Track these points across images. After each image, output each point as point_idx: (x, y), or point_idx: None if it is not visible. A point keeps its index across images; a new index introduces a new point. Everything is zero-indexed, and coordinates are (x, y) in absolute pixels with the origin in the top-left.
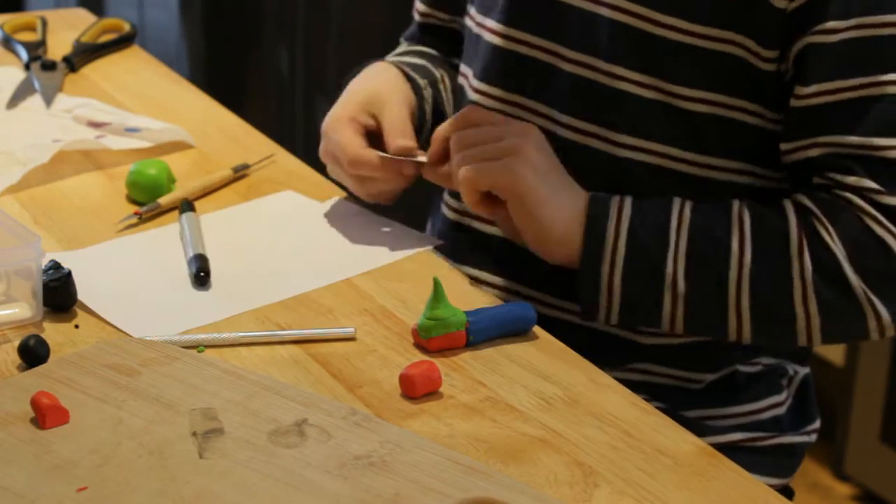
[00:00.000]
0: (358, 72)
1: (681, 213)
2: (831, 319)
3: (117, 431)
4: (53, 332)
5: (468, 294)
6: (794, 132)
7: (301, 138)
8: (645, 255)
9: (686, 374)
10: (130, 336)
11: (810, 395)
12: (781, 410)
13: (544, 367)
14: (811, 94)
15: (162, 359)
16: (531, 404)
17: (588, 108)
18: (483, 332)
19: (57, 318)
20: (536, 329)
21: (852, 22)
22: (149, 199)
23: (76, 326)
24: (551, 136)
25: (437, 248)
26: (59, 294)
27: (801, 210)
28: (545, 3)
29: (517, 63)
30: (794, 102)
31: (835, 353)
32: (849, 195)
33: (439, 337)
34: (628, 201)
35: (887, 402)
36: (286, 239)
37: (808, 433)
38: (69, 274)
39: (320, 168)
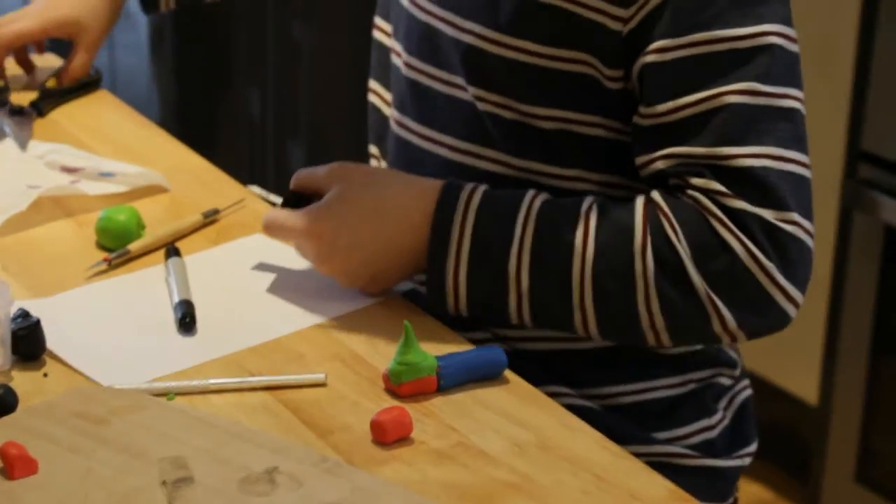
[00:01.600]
0: None
1: (530, 206)
2: (674, 319)
3: (86, 481)
4: (22, 381)
5: (439, 339)
6: (643, 147)
7: (272, 182)
8: (489, 250)
9: (595, 391)
10: (100, 384)
11: (748, 416)
12: (713, 434)
13: (515, 412)
14: (655, 113)
15: (132, 407)
16: (503, 449)
17: (463, 130)
18: (454, 377)
19: (26, 366)
20: (507, 373)
21: (684, 40)
22: (118, 246)
23: (45, 375)
24: (434, 158)
25: (408, 293)
26: (27, 342)
27: (648, 205)
28: (421, 25)
29: (409, 86)
30: (638, 121)
31: (809, 392)
32: (697, 195)
33: (410, 382)
34: (479, 192)
35: (862, 441)
36: (256, 284)
37: (742, 457)
38: (38, 322)
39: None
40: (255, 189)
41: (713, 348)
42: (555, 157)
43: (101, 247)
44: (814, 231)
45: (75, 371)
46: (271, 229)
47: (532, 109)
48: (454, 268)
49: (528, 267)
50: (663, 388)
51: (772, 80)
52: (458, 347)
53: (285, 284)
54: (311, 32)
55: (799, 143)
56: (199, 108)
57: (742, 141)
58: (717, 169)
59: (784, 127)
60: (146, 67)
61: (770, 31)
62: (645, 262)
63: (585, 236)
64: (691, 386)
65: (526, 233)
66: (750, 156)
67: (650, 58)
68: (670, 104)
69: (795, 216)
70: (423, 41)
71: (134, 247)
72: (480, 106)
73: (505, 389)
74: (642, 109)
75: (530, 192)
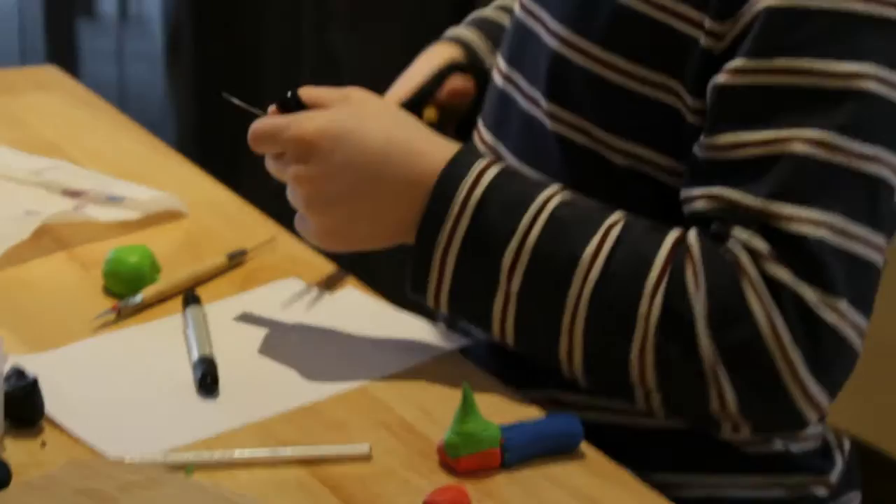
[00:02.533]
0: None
1: (547, 200)
2: (667, 381)
3: None
4: (16, 451)
5: (503, 404)
6: (691, 180)
7: None
8: (488, 236)
9: (657, 477)
10: (106, 455)
11: None
12: None
13: (594, 492)
14: (714, 145)
15: (144, 482)
16: None
17: (530, 151)
18: (521, 450)
19: (20, 434)
20: (584, 446)
21: (764, 64)
22: (129, 292)
23: (43, 444)
24: None
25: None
26: (22, 406)
27: (678, 245)
28: (518, 25)
29: (497, 97)
30: (697, 151)
31: None
32: (736, 249)
33: (470, 456)
34: (496, 167)
35: None
36: (289, 338)
37: None
38: (35, 382)
39: (329, 253)
40: (235, 99)
41: (807, 450)
42: (622, 199)
43: (109, 292)
44: (865, 328)
45: (77, 440)
46: (258, 136)
47: (608, 138)
48: (444, 245)
49: (523, 268)
50: (742, 487)
51: (858, 134)
52: (525, 415)
53: (323, 338)
54: (352, 43)
55: (873, 219)
56: (221, 130)
57: (802, 201)
58: (767, 227)
59: (859, 196)
60: (160, 81)
61: (869, 74)
62: (651, 305)
63: (596, 254)
64: (778, 492)
65: (532, 229)
66: (807, 221)
67: (723, 78)
68: (732, 137)
69: (842, 304)
70: (515, 43)
71: (147, 293)
72: (551, 125)
73: (581, 465)
74: (702, 139)
75: (553, 186)
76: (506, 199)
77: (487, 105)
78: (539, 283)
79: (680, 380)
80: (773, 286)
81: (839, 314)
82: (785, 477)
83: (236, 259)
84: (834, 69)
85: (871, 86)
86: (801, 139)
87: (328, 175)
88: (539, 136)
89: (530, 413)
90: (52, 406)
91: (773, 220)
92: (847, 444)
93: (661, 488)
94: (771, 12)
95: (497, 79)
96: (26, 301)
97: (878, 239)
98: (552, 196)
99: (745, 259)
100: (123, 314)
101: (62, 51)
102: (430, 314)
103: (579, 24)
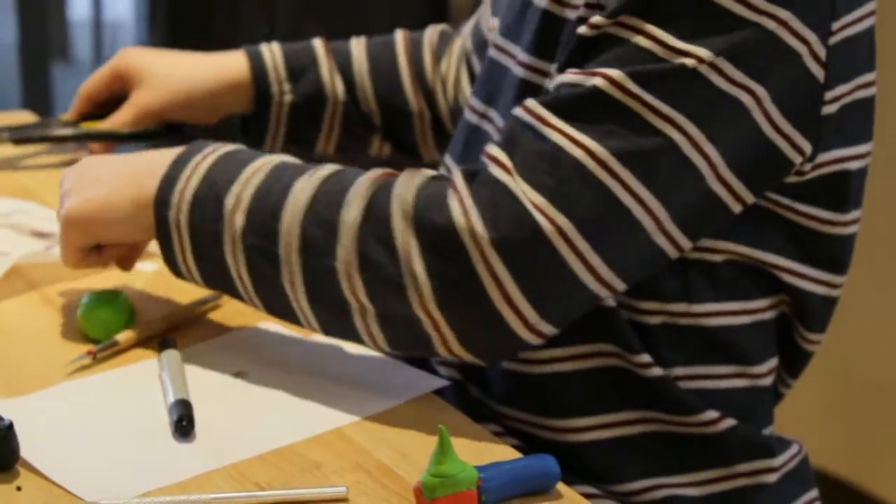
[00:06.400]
0: None
1: (271, 159)
2: (374, 290)
3: None
4: None
5: (480, 446)
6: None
7: None
8: (214, 186)
9: (620, 488)
10: (82, 499)
11: None
12: None
13: None
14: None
15: None
16: None
17: None
18: (498, 491)
19: None
20: (560, 486)
21: (613, 19)
22: (105, 336)
23: (18, 489)
24: None
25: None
26: None
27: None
28: (489, 63)
29: (464, 126)
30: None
31: None
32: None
33: (446, 497)
34: (230, 146)
35: None
36: (265, 381)
37: None
38: (10, 426)
39: None
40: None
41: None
42: None
43: (85, 336)
44: (506, 181)
45: (53, 484)
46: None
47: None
48: (176, 206)
49: (245, 205)
50: (702, 483)
51: (659, 92)
52: (501, 455)
53: (299, 381)
54: None
55: (646, 172)
56: None
57: (569, 117)
58: (526, 129)
59: (639, 144)
60: None
61: (704, 59)
62: (353, 211)
63: (310, 179)
64: (742, 482)
65: (255, 176)
66: (562, 133)
67: (581, 29)
68: (561, 77)
69: (502, 158)
70: (488, 80)
71: (122, 337)
72: None
73: None
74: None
75: (281, 154)
76: (234, 157)
77: (456, 141)
78: (256, 216)
79: (383, 279)
80: (478, 183)
81: (495, 162)
82: (741, 465)
83: (212, 302)
84: (673, 43)
85: (701, 68)
86: (603, 75)
87: (77, 183)
88: None
89: (507, 454)
90: (27, 450)
91: (535, 122)
92: (798, 447)
93: (624, 496)
94: None
95: (470, 116)
96: (0, 345)
97: (634, 184)
98: (276, 158)
99: (463, 170)
100: (99, 358)
101: (37, 95)
102: (406, 358)
103: (542, 49)
